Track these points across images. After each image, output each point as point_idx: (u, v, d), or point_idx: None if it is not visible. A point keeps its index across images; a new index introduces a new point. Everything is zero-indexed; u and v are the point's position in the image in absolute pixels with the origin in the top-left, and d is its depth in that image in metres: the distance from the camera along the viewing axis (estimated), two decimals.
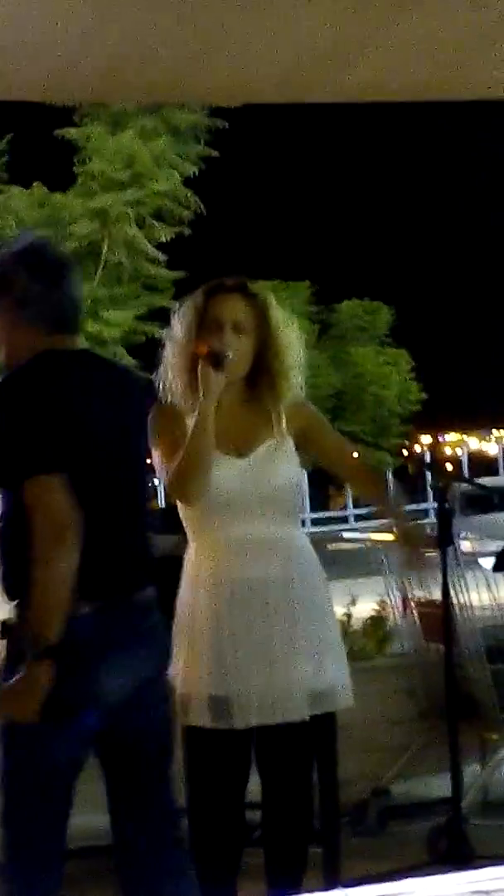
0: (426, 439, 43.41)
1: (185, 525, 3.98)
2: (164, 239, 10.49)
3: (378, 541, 6.38)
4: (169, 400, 3.97)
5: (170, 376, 3.97)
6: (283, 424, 3.96)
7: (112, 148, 10.45)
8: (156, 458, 3.93)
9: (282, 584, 3.86)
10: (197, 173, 10.83)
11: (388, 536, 6.59)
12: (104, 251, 10.17)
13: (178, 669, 3.88)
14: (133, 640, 3.49)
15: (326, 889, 1.87)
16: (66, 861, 3.72)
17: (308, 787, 4.04)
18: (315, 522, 35.20)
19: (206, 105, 9.97)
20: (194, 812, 4.05)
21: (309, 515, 35.51)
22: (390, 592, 6.11)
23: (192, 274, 10.60)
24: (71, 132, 10.54)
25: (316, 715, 3.90)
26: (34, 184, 10.77)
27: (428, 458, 34.50)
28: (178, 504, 3.97)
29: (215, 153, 10.93)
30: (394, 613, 6.18)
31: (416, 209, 35.78)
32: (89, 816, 5.26)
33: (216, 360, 3.83)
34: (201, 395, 3.81)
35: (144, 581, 3.56)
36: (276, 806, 4.02)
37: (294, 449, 3.97)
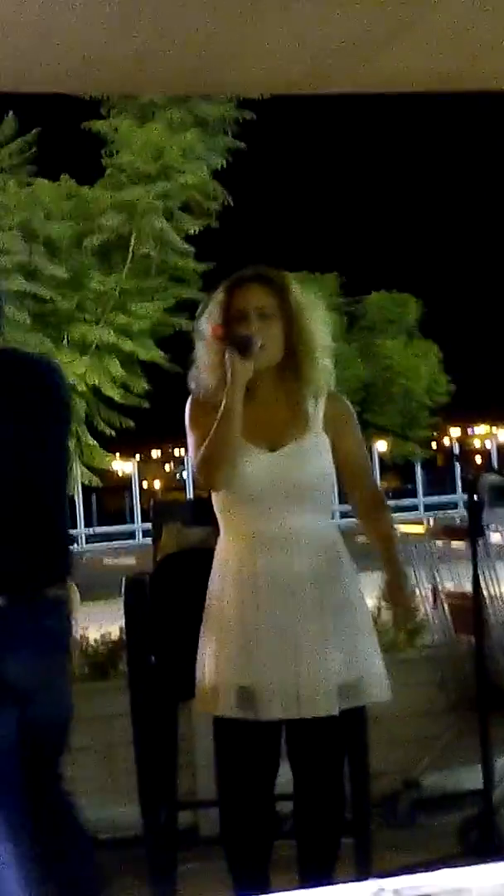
0: (455, 431, 43.36)
1: (217, 517, 3.99)
2: (192, 231, 10.46)
3: (407, 533, 6.37)
4: (201, 394, 3.98)
5: (202, 374, 3.97)
6: (320, 417, 3.96)
7: (140, 140, 10.41)
8: (189, 448, 3.95)
9: (309, 578, 3.85)
10: (224, 165, 10.82)
11: (418, 528, 6.59)
12: (132, 244, 10.16)
13: (204, 660, 3.89)
14: (21, 637, 3.56)
15: (358, 880, 1.86)
16: None
17: (339, 780, 4.04)
18: (344, 515, 35.18)
19: (233, 97, 9.95)
20: (224, 803, 4.05)
21: (338, 507, 35.52)
22: (420, 584, 6.10)
23: (220, 266, 10.57)
24: (98, 124, 10.53)
25: (346, 708, 3.91)
26: (62, 176, 10.78)
27: (457, 450, 34.46)
28: (212, 496, 3.98)
29: (243, 145, 10.92)
30: (424, 605, 6.17)
31: (445, 201, 35.68)
32: (112, 809, 5.30)
33: (243, 347, 3.83)
34: (228, 381, 3.81)
35: (45, 578, 3.62)
36: (306, 798, 4.02)
37: (328, 443, 3.96)
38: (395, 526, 4.20)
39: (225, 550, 3.95)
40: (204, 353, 3.96)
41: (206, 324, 3.97)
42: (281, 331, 3.92)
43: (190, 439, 3.95)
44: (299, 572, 3.85)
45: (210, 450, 3.81)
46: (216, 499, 3.96)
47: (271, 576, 3.84)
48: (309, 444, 3.93)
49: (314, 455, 3.93)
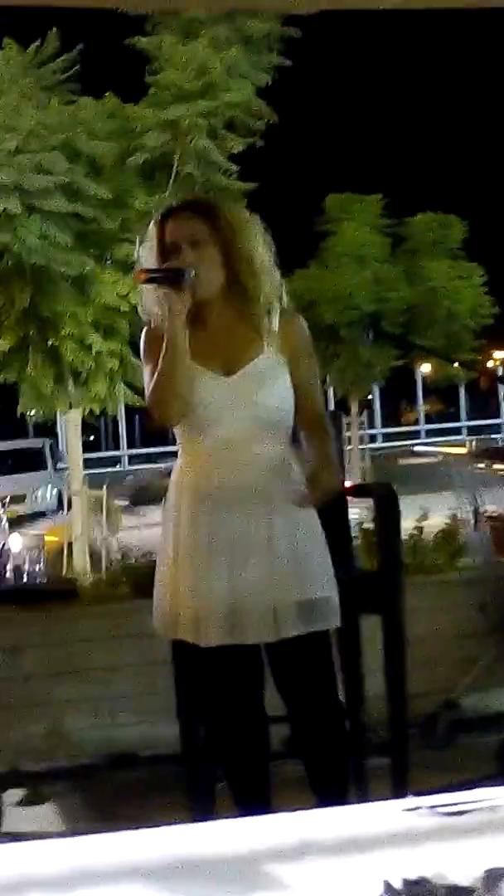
0: (500, 354, 43.10)
1: (177, 440, 3.97)
2: (236, 150, 10.33)
3: (450, 456, 6.36)
4: (153, 324, 3.92)
5: (146, 303, 3.93)
6: (275, 336, 3.88)
7: (184, 58, 10.28)
8: (144, 381, 3.92)
9: (264, 495, 3.81)
10: (269, 83, 10.64)
11: (461, 450, 6.56)
12: (176, 163, 10.05)
13: (163, 583, 3.90)
14: None
15: (396, 798, 1.88)
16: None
17: (325, 699, 3.97)
18: (386, 437, 35.24)
19: (279, 12, 9.82)
20: (210, 730, 4.07)
21: (380, 430, 35.55)
22: (462, 506, 6.10)
23: (264, 185, 10.48)
24: (142, 41, 10.38)
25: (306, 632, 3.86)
26: (106, 94, 10.62)
27: (501, 373, 34.33)
28: None
29: (288, 62, 10.73)
30: (465, 527, 6.18)
31: (493, 121, 35.26)
32: (154, 726, 5.35)
33: (174, 281, 3.78)
34: (166, 317, 3.77)
35: None
36: (294, 721, 4.00)
37: (285, 363, 3.89)
38: (336, 459, 4.06)
39: (181, 469, 3.93)
40: (146, 286, 3.91)
41: (144, 257, 3.92)
42: (218, 255, 3.84)
43: (145, 371, 3.91)
44: (252, 488, 3.81)
45: (158, 385, 3.77)
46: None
47: (223, 491, 3.81)
48: (265, 366, 3.87)
49: (270, 376, 3.87)
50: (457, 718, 5.70)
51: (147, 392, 3.87)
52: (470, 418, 36.13)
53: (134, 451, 34.51)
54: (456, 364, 22.46)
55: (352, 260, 20.26)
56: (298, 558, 3.85)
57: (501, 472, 5.54)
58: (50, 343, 9.80)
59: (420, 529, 6.23)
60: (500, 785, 1.95)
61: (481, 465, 6.02)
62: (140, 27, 10.65)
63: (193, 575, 3.83)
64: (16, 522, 14.52)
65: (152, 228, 3.92)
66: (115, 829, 2.03)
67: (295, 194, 22.18)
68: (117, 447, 34.71)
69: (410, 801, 1.92)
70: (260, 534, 3.81)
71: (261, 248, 3.91)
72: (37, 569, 8.24)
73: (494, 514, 5.82)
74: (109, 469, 25.68)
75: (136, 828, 2.03)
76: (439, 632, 5.55)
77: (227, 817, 1.99)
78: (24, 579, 8.09)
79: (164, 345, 3.76)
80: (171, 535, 3.91)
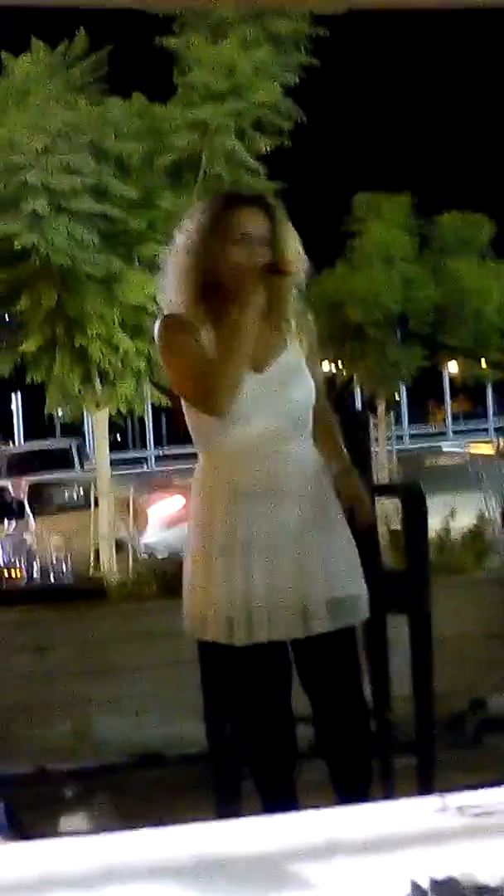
0: None
1: (196, 438, 3.94)
2: (264, 150, 10.34)
3: (477, 454, 6.35)
4: (173, 311, 3.89)
5: (180, 287, 3.87)
6: (295, 333, 3.90)
7: (212, 58, 10.29)
8: (173, 370, 3.91)
9: (294, 492, 3.80)
10: (297, 83, 10.65)
11: (488, 449, 6.55)
12: (203, 163, 10.07)
13: (191, 582, 3.88)
14: None
15: (423, 797, 1.88)
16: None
17: (351, 696, 3.96)
18: (413, 437, 35.18)
19: (307, 12, 9.82)
20: (239, 729, 4.06)
21: (407, 430, 35.47)
22: (489, 506, 6.09)
23: (292, 185, 10.48)
24: (170, 41, 10.39)
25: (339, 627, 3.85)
26: (134, 94, 10.65)
27: None
28: (191, 418, 3.92)
29: (316, 62, 10.74)
30: (493, 527, 6.17)
31: None
32: (181, 725, 5.35)
33: (265, 277, 3.80)
34: (246, 311, 3.74)
35: None
36: (318, 719, 3.99)
37: (304, 356, 3.91)
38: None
39: (209, 471, 3.90)
40: (187, 267, 3.85)
41: (198, 238, 3.85)
42: (269, 253, 3.83)
43: (176, 363, 3.88)
44: (284, 489, 3.80)
45: (217, 379, 3.75)
46: (199, 420, 3.88)
47: (257, 492, 3.79)
48: (290, 361, 3.88)
49: (297, 372, 3.89)
50: (484, 718, 5.69)
51: (187, 384, 3.86)
52: (497, 417, 36.06)
53: (161, 452, 34.54)
54: (484, 363, 22.40)
55: (379, 259, 20.22)
56: (328, 555, 3.85)
57: None
58: (77, 343, 9.82)
59: (447, 529, 6.21)
60: None
61: None
62: (168, 27, 10.66)
63: (224, 573, 3.81)
64: None
65: (216, 212, 3.88)
66: (142, 827, 2.03)
67: (322, 194, 22.16)
68: (144, 447, 34.76)
69: (437, 800, 1.92)
70: (290, 531, 3.80)
71: (303, 257, 3.93)
72: (64, 568, 8.25)
73: None
74: (136, 469, 25.70)
75: (163, 826, 2.03)
76: (466, 631, 5.53)
77: (253, 816, 1.99)
78: (52, 578, 8.12)
79: (234, 341, 3.74)
80: (199, 534, 3.90)
